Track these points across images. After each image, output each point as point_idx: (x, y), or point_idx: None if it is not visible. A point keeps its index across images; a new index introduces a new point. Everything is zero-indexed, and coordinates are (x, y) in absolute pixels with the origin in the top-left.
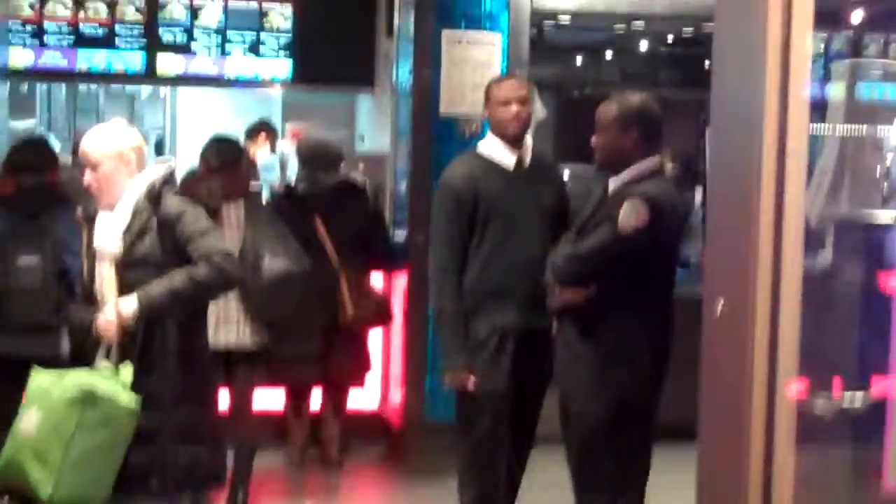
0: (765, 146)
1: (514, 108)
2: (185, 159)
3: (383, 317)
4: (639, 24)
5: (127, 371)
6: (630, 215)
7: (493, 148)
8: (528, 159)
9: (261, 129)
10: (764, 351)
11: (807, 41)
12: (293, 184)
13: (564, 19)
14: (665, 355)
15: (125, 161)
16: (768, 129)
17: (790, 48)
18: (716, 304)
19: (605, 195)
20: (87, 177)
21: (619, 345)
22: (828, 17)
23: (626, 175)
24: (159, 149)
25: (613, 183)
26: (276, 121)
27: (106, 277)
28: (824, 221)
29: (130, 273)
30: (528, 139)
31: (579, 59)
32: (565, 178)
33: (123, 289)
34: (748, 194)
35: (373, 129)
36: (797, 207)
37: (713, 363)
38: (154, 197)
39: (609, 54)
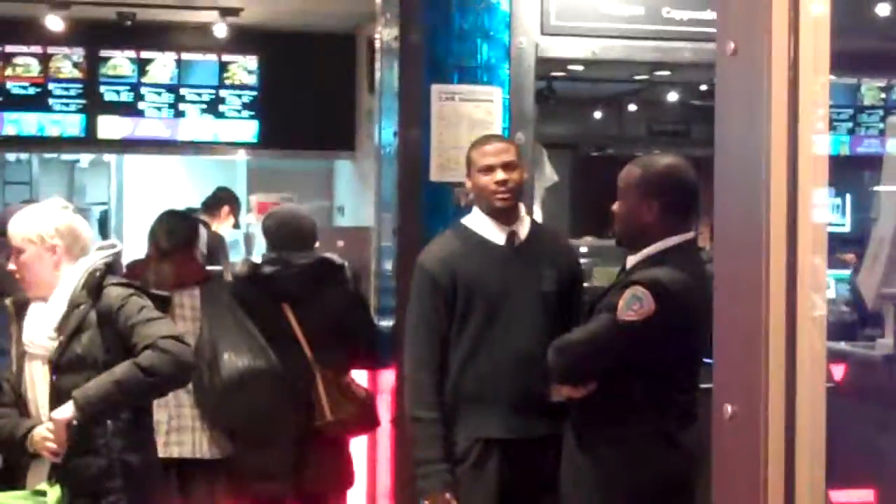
0: (772, 213)
1: (498, 174)
2: (134, 239)
3: (368, 421)
4: (664, 74)
5: (53, 493)
6: (630, 305)
7: (478, 222)
8: (523, 233)
9: (223, 200)
10: (780, 460)
11: (818, 85)
12: (259, 265)
13: (577, 69)
14: (688, 467)
15: (48, 247)
16: (775, 193)
17: (798, 94)
18: (724, 410)
19: (620, 275)
20: (11, 264)
21: (625, 456)
22: (891, 63)
23: (645, 253)
24: (103, 226)
25: (631, 261)
26: (241, 191)
27: (37, 380)
28: (883, 300)
29: (66, 377)
30: (536, 212)
31: (597, 115)
32: (583, 253)
33: (58, 395)
34: (754, 279)
35: (354, 199)
36: (813, 295)
37: (725, 473)
38: (93, 287)
39: (632, 108)
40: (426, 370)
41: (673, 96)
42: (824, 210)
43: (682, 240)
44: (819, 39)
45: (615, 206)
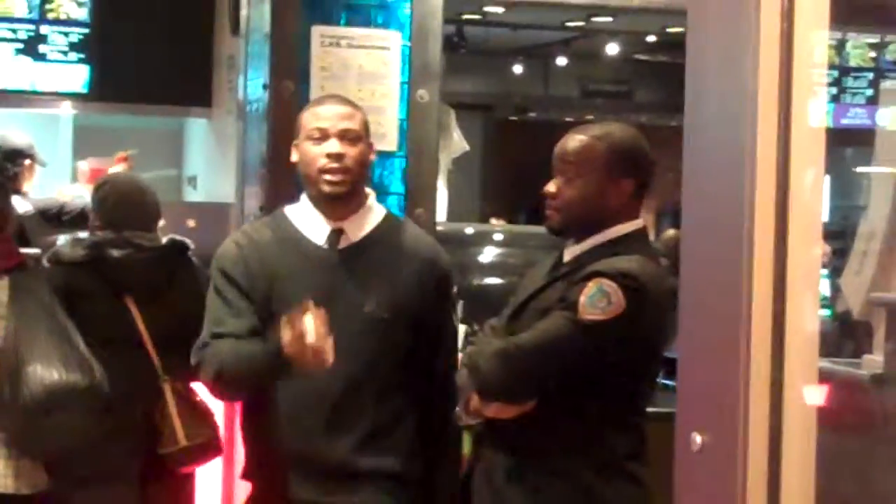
0: (757, 196)
1: (331, 144)
2: None
3: (218, 447)
4: (605, 20)
5: None
6: (595, 302)
7: (299, 212)
8: (358, 233)
9: (22, 153)
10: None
11: (816, 40)
12: (101, 246)
13: (495, 11)
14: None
15: None
16: (762, 172)
17: (792, 51)
18: (690, 440)
19: (557, 269)
20: None
21: (579, 493)
22: (881, 14)
23: (592, 243)
24: None
25: (571, 252)
26: (65, 154)
27: None
28: (872, 308)
29: None
30: (440, 188)
31: (518, 69)
32: (496, 242)
33: None
34: (733, 279)
35: (209, 168)
36: (807, 300)
37: None
38: None
39: (561, 62)
40: (214, 348)
41: (613, 49)
42: (820, 194)
43: (634, 228)
44: None
45: (553, 187)
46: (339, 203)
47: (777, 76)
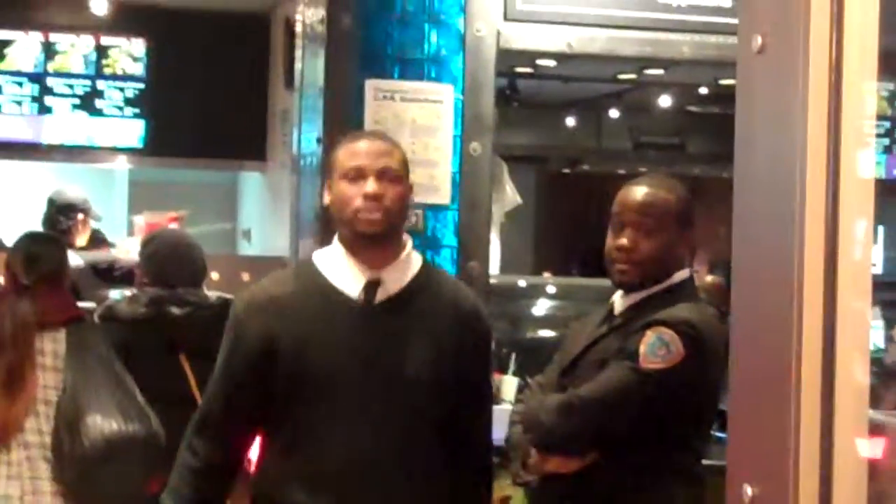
0: (806, 247)
1: (369, 184)
2: None
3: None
4: (656, 73)
5: None
6: (655, 351)
7: (330, 260)
8: (395, 285)
9: (75, 207)
10: None
11: (865, 92)
12: (161, 303)
13: (547, 65)
14: None
15: None
16: (811, 227)
17: (840, 103)
18: (742, 491)
19: (610, 321)
20: None
21: None
22: None
23: (645, 292)
24: None
25: (623, 303)
26: (121, 209)
27: None
28: None
29: None
30: (493, 241)
31: (570, 122)
32: (549, 294)
33: None
34: (783, 332)
35: (264, 221)
36: (856, 353)
37: None
38: None
39: (614, 114)
40: (191, 449)
41: (665, 101)
42: (870, 246)
43: (683, 277)
44: (867, 35)
45: (627, 241)
46: (377, 248)
47: (826, 128)
